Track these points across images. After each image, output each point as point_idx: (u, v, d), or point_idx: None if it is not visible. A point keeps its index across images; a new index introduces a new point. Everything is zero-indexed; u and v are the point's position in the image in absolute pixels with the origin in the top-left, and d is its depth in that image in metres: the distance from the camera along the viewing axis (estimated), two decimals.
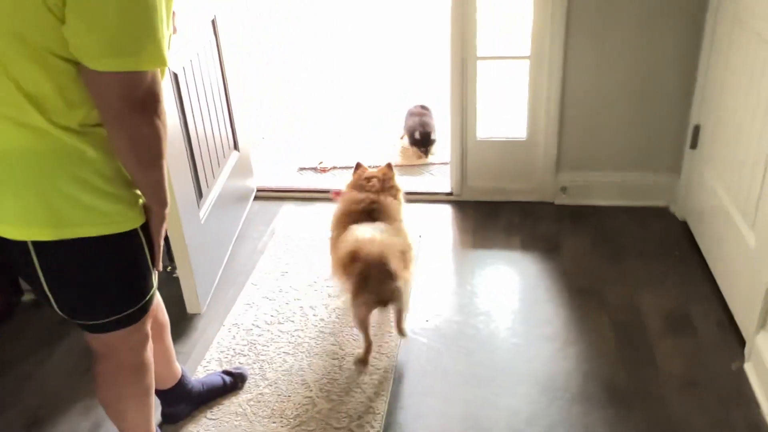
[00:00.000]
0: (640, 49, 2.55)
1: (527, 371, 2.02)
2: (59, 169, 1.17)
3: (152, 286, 1.39)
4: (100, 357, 1.48)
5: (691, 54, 2.50)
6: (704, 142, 2.47)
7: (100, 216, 1.22)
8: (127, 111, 1.12)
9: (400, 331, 2.06)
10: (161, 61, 1.11)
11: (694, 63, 2.49)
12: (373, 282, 1.89)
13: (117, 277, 1.32)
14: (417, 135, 3.32)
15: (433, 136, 3.34)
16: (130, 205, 1.26)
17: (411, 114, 3.45)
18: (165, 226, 1.36)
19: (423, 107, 3.49)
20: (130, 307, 1.35)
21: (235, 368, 2.02)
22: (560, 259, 2.54)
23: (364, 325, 2.00)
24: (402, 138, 3.48)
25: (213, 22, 2.50)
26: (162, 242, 1.37)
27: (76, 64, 1.10)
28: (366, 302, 1.94)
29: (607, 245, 2.59)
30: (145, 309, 1.39)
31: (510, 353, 2.09)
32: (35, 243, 1.20)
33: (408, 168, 3.29)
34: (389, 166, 2.27)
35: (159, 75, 1.16)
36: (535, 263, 2.53)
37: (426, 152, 3.35)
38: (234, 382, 1.97)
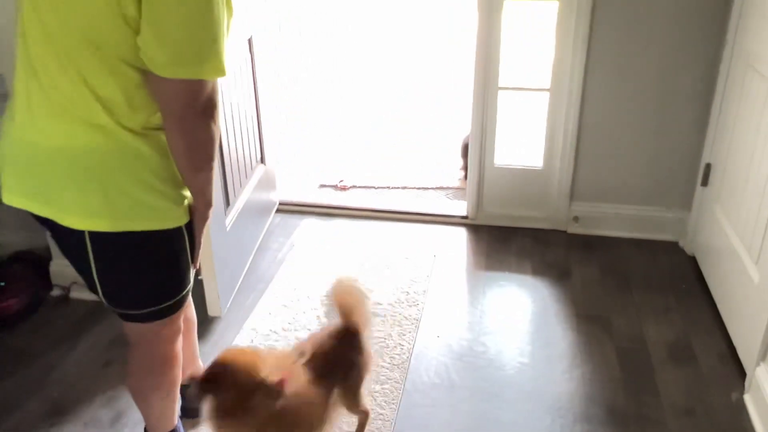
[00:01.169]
0: (657, 87, 2.65)
1: (532, 389, 2.09)
2: (120, 167, 1.27)
3: (189, 282, 1.49)
4: (134, 346, 1.57)
5: (706, 94, 2.60)
6: (715, 180, 2.55)
7: (151, 212, 1.32)
8: (187, 116, 1.24)
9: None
10: (221, 72, 1.22)
11: (708, 103, 2.59)
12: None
13: (159, 270, 1.41)
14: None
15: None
16: (177, 203, 1.36)
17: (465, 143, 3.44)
18: (207, 225, 1.46)
19: None
20: (167, 300, 1.45)
21: None
22: (570, 286, 2.61)
23: None
24: (462, 169, 3.50)
25: (249, 41, 2.64)
26: (202, 241, 1.47)
27: (143, 71, 1.22)
28: None
29: (616, 275, 2.67)
30: (180, 303, 1.49)
31: (516, 371, 2.17)
32: (91, 233, 1.30)
33: (423, 191, 3.39)
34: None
35: (218, 84, 1.27)
36: (545, 288, 2.61)
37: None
38: None
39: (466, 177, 3.28)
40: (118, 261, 1.36)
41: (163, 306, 1.45)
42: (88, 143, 1.26)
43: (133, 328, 1.51)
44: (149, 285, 1.42)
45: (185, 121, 1.25)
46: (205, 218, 1.43)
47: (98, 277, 1.37)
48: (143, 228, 1.32)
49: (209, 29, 1.17)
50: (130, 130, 1.27)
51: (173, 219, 1.36)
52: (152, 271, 1.40)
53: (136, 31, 1.16)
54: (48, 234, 1.39)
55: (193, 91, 1.22)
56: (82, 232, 1.30)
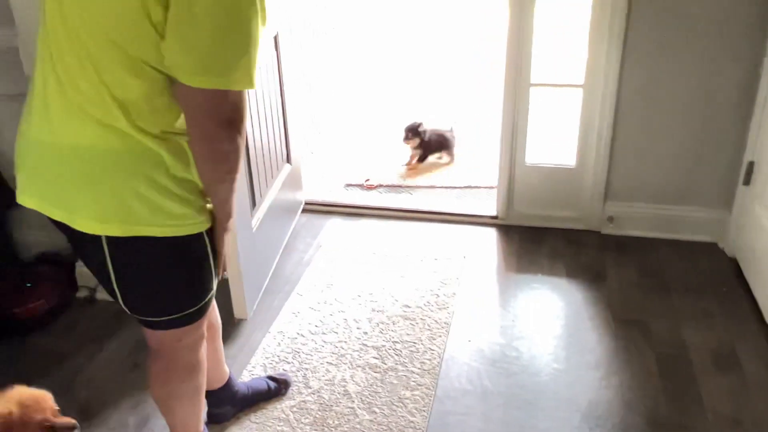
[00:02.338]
0: (697, 84, 2.55)
1: (568, 397, 2.02)
2: (136, 170, 1.22)
3: (211, 290, 1.44)
4: (156, 353, 1.53)
5: (749, 90, 2.49)
6: (758, 179, 2.45)
7: (169, 218, 1.27)
8: (212, 126, 1.19)
9: None
10: (249, 84, 1.17)
11: (752, 99, 2.48)
12: None
13: (180, 277, 1.37)
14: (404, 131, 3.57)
15: (420, 128, 3.55)
16: (198, 210, 1.31)
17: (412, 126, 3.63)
18: (227, 236, 1.41)
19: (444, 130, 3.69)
20: (189, 308, 1.40)
21: (279, 374, 2.06)
22: (605, 289, 2.53)
23: None
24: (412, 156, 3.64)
25: (275, 38, 2.59)
26: (224, 250, 1.42)
27: (168, 75, 1.17)
28: None
29: (653, 278, 2.58)
30: (202, 311, 1.44)
31: (551, 378, 2.09)
32: (109, 238, 1.26)
33: (450, 190, 3.33)
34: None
35: (246, 96, 1.22)
36: (579, 291, 2.53)
37: (405, 138, 3.56)
38: (278, 388, 2.01)
39: (411, 163, 3.57)
40: (136, 268, 1.32)
41: (184, 314, 1.40)
42: (103, 145, 1.21)
43: (154, 336, 1.46)
44: (169, 292, 1.37)
45: (209, 131, 1.20)
46: (224, 229, 1.39)
47: (117, 284, 1.33)
48: (160, 234, 1.26)
49: (240, 40, 1.13)
50: (148, 133, 1.21)
51: (192, 225, 1.31)
52: (171, 278, 1.35)
53: (162, 36, 1.11)
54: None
55: (218, 102, 1.17)
56: (98, 237, 1.25)
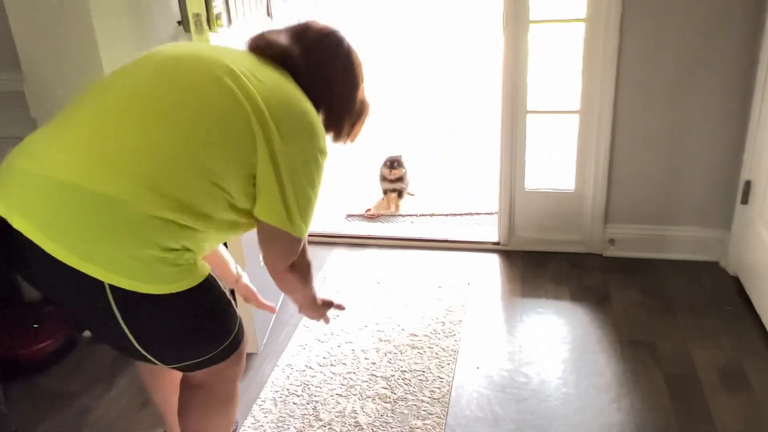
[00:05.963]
0: (690, 104, 2.60)
1: (579, 421, 2.01)
2: (138, 230, 1.18)
3: (235, 324, 1.42)
4: (195, 387, 1.49)
5: (742, 111, 2.54)
6: (756, 197, 2.48)
7: (165, 276, 1.22)
8: (274, 259, 1.44)
9: None
10: (300, 233, 1.37)
11: (745, 120, 2.53)
12: None
13: (194, 325, 1.33)
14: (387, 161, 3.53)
15: (402, 160, 3.51)
16: (190, 268, 1.26)
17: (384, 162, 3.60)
18: (316, 315, 1.74)
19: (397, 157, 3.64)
20: (217, 347, 1.38)
21: None
22: (610, 311, 2.54)
23: None
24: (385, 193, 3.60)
25: None
26: (321, 318, 1.76)
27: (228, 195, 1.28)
28: None
29: (657, 298, 2.59)
30: (235, 344, 1.42)
31: (561, 402, 2.09)
32: (114, 293, 1.19)
33: (452, 217, 3.36)
34: None
35: (304, 244, 1.44)
36: (585, 314, 2.54)
37: (390, 167, 3.48)
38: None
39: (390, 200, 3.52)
40: (150, 325, 1.28)
41: (214, 353, 1.39)
42: (132, 206, 1.17)
43: (194, 374, 1.45)
44: (191, 340, 1.35)
45: (268, 261, 1.44)
46: (312, 315, 1.72)
47: (135, 339, 1.28)
48: (161, 291, 1.22)
49: (310, 205, 1.37)
50: (181, 224, 1.22)
51: (191, 280, 1.26)
52: (189, 326, 1.33)
53: (252, 185, 1.30)
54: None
55: (279, 239, 1.37)
56: (108, 301, 1.19)
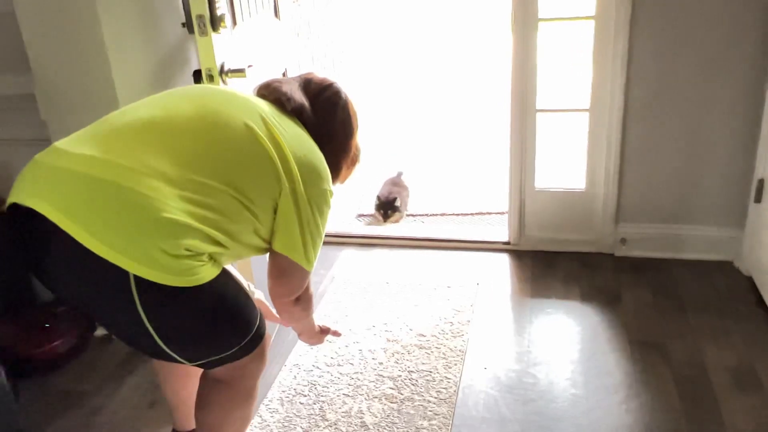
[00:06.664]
0: (702, 102, 2.57)
1: (588, 422, 2.00)
2: (159, 227, 1.25)
3: (256, 315, 1.46)
4: (217, 381, 1.52)
5: (755, 108, 2.50)
6: None
7: (179, 271, 1.27)
8: (278, 289, 1.56)
9: None
10: (307, 265, 1.52)
11: (758, 117, 2.49)
12: None
13: (215, 319, 1.37)
14: (378, 200, 3.43)
15: (396, 203, 3.38)
16: (205, 264, 1.32)
17: (386, 183, 3.55)
18: (314, 341, 1.90)
19: (398, 178, 3.59)
20: (239, 343, 1.42)
21: None
22: (620, 311, 2.51)
23: None
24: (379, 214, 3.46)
25: (284, 74, 2.65)
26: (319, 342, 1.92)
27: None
28: None
29: (669, 299, 2.56)
30: (256, 340, 1.46)
31: (570, 403, 2.08)
32: (137, 278, 1.24)
33: (462, 217, 3.35)
34: None
35: (308, 280, 1.59)
36: (595, 314, 2.52)
37: (384, 216, 3.39)
38: None
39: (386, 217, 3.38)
40: (173, 322, 1.33)
41: (236, 349, 1.42)
42: (156, 209, 1.24)
43: (217, 370, 1.47)
44: (213, 334, 1.39)
45: (277, 293, 1.56)
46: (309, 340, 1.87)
47: (156, 333, 1.32)
48: (179, 284, 1.27)
49: (318, 241, 1.54)
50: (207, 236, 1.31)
51: (204, 276, 1.31)
52: (206, 322, 1.37)
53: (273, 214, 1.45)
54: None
55: (292, 272, 1.52)
56: (131, 294, 1.25)
